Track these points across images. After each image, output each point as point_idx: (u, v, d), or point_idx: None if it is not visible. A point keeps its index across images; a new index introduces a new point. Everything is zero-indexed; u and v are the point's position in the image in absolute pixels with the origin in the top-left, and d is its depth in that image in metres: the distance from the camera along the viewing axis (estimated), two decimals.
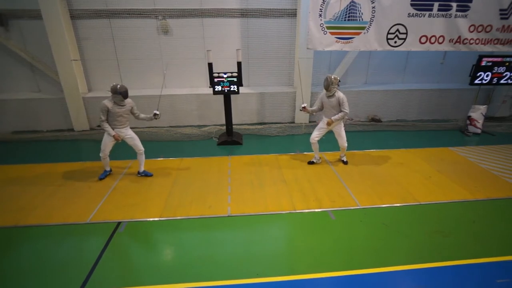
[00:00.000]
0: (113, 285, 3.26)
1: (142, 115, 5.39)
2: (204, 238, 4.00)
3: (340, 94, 5.45)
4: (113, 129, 5.15)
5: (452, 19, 6.98)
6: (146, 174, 5.60)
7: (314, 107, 5.88)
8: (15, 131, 7.93)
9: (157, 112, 5.39)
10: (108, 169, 5.59)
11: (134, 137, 5.40)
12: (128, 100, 5.16)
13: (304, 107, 5.76)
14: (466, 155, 6.50)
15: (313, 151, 6.01)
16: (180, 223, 4.31)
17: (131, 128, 5.46)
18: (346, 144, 5.90)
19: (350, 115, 8.50)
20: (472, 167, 5.95)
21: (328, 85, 5.39)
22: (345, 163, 6.10)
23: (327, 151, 6.63)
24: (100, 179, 5.47)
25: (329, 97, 5.52)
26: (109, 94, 5.01)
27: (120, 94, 4.93)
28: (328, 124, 5.64)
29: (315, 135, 5.80)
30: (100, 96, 7.39)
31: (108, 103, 4.98)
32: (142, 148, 5.47)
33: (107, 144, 5.23)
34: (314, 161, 6.12)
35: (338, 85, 5.48)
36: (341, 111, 5.47)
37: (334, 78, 5.37)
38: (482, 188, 5.15)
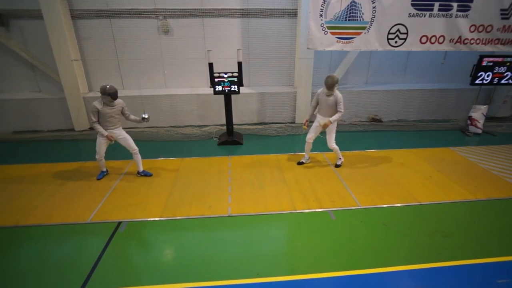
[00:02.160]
0: (113, 285, 3.26)
1: (132, 117, 5.33)
2: (204, 238, 4.00)
3: (338, 94, 5.39)
4: (105, 130, 5.12)
5: (453, 19, 6.97)
6: (145, 174, 5.60)
7: (311, 110, 5.82)
8: (16, 131, 7.94)
9: (145, 116, 5.31)
10: (104, 169, 5.59)
11: (126, 138, 5.36)
12: (118, 101, 5.11)
13: (306, 122, 5.73)
14: (466, 155, 6.49)
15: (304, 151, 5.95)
16: (180, 223, 4.31)
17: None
18: (333, 145, 5.70)
19: (351, 114, 8.50)
20: (473, 167, 5.94)
21: (333, 84, 5.27)
22: (337, 166, 5.97)
23: (327, 151, 6.62)
24: (98, 179, 5.48)
25: (328, 96, 5.45)
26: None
27: (109, 95, 4.88)
28: (326, 126, 5.51)
29: (312, 135, 5.77)
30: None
31: (98, 104, 4.95)
32: (136, 148, 5.44)
33: (101, 145, 5.22)
34: (303, 161, 6.08)
35: (338, 84, 5.45)
36: (337, 111, 5.41)
37: (337, 77, 5.33)
38: (482, 188, 5.15)
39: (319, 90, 5.60)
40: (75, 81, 7.57)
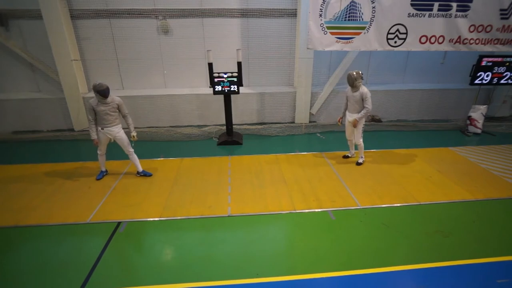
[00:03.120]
0: (113, 285, 3.26)
1: (129, 120, 5.25)
2: (204, 238, 4.00)
3: (364, 89, 5.42)
4: (102, 128, 5.09)
5: (452, 19, 6.97)
6: (145, 174, 5.60)
7: (343, 107, 5.93)
8: (15, 131, 7.93)
9: (134, 134, 5.28)
10: (103, 169, 5.59)
11: (122, 139, 5.27)
12: (114, 98, 5.04)
13: (339, 119, 5.90)
14: (466, 155, 6.50)
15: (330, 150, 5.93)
16: (180, 223, 4.31)
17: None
18: (359, 142, 5.81)
19: None
20: (473, 167, 5.95)
21: (353, 81, 5.38)
22: (358, 163, 6.03)
23: (327, 151, 6.63)
24: (98, 179, 5.48)
25: (354, 92, 5.52)
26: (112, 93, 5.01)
27: (98, 92, 4.82)
28: (354, 126, 5.64)
29: (349, 133, 5.91)
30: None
31: (93, 102, 4.94)
32: (131, 150, 5.39)
33: (101, 142, 5.22)
34: (349, 155, 6.29)
35: (362, 79, 5.45)
36: (363, 107, 5.46)
37: (356, 73, 5.36)
38: (482, 188, 5.15)
39: (347, 88, 5.72)
40: (75, 81, 7.56)
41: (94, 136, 5.10)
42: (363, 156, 6.06)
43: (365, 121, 5.73)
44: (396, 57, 8.54)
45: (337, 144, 5.96)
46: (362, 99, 5.44)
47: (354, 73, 5.35)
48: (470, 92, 8.50)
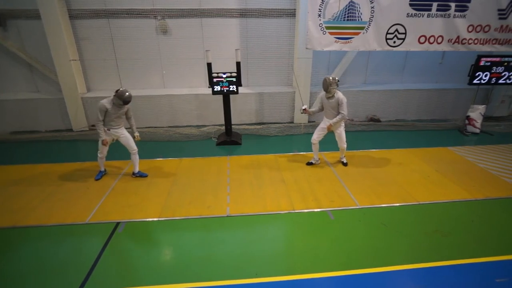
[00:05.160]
0: (112, 285, 3.25)
1: (133, 121, 5.39)
2: (203, 238, 3.99)
3: (339, 95, 5.33)
4: (109, 129, 5.12)
5: (451, 19, 6.99)
6: (141, 175, 5.58)
7: (315, 108, 5.82)
8: (14, 131, 7.91)
9: (136, 134, 5.41)
10: (102, 169, 5.59)
11: (128, 137, 5.34)
12: None
13: (304, 109, 5.68)
14: (464, 155, 6.51)
15: (312, 152, 5.97)
16: (179, 223, 4.31)
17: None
18: (345, 146, 5.80)
19: (350, 115, 8.50)
20: (471, 167, 5.96)
21: (327, 87, 5.28)
22: (345, 164, 6.04)
23: (326, 151, 6.63)
24: (96, 179, 5.47)
25: (328, 98, 5.42)
26: (111, 94, 4.99)
27: (123, 102, 4.88)
28: (328, 129, 5.57)
29: (316, 136, 5.74)
30: (99, 96, 7.39)
31: (107, 104, 4.92)
32: (136, 148, 5.41)
33: (103, 145, 5.22)
34: (313, 162, 6.07)
35: (337, 85, 5.38)
36: (339, 112, 5.38)
37: (332, 78, 5.26)
38: (480, 188, 5.16)
39: (321, 93, 5.59)
40: (73, 81, 7.55)
41: (103, 136, 5.10)
42: (344, 157, 6.09)
43: (364, 121, 5.70)
44: (394, 57, 8.56)
45: (336, 144, 5.95)
46: (338, 105, 5.35)
47: (330, 78, 5.25)
48: (469, 92, 8.52)
